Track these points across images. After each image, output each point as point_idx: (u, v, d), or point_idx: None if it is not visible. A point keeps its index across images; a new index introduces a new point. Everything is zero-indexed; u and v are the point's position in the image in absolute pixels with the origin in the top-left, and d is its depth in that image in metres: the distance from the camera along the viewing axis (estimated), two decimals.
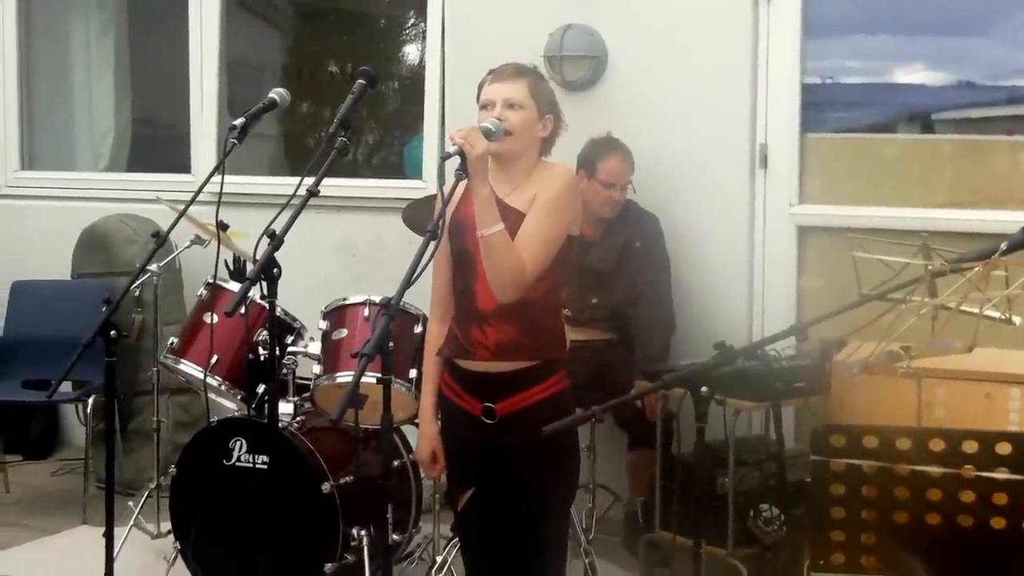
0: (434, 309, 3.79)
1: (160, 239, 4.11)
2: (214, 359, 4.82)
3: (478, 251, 3.50)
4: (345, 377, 4.55)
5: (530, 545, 3.65)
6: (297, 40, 9.07)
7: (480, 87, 3.67)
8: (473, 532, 3.78)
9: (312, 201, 3.44)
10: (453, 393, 3.69)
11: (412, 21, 8.24)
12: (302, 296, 4.93)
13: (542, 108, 3.62)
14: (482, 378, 3.61)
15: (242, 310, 4.49)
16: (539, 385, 3.59)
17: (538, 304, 3.56)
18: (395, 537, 4.77)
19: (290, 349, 4.88)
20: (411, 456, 4.96)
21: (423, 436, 3.79)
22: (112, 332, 3.80)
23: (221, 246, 4.39)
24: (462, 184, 3.45)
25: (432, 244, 3.23)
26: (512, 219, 3.48)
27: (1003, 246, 3.33)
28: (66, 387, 6.01)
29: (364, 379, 3.09)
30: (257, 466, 4.66)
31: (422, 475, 4.93)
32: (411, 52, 8.34)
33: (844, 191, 5.63)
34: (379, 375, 3.29)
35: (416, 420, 3.96)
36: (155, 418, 5.48)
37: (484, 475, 3.68)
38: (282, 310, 4.86)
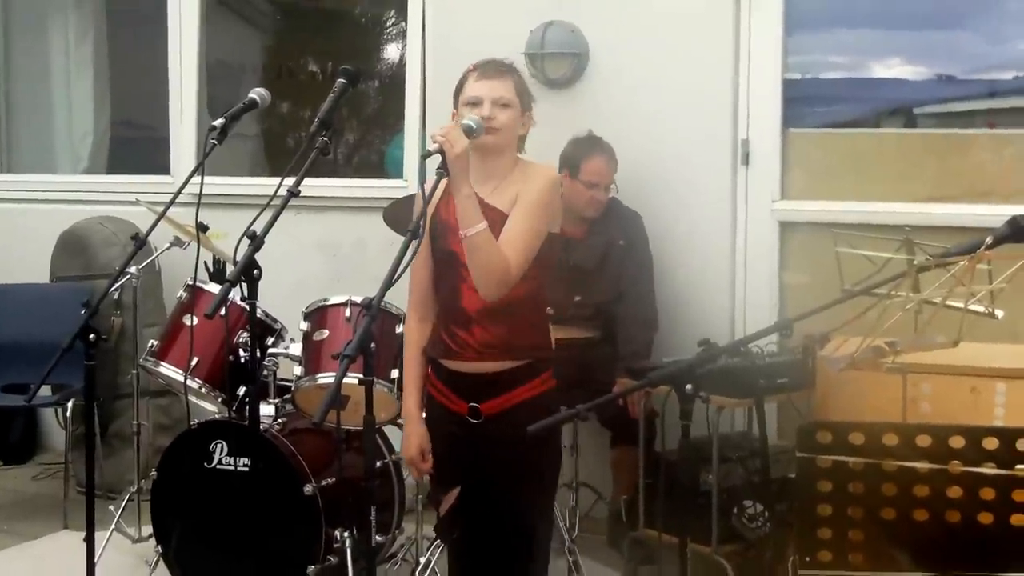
0: (414, 309, 3.75)
1: (139, 241, 4.09)
2: (194, 361, 4.78)
3: (463, 251, 3.47)
4: (326, 378, 4.52)
5: (513, 544, 3.63)
6: (277, 40, 9.02)
7: (463, 82, 3.63)
8: (455, 532, 3.76)
9: (293, 201, 3.41)
10: (438, 392, 3.67)
11: (392, 20, 8.20)
12: (283, 297, 4.89)
13: (524, 105, 3.63)
14: (468, 378, 3.60)
15: (222, 312, 4.46)
16: (525, 385, 3.58)
17: (523, 303, 3.55)
18: (378, 538, 4.74)
19: (271, 350, 4.85)
20: (394, 457, 4.94)
21: (410, 434, 3.73)
22: (91, 335, 3.77)
23: (201, 248, 4.36)
24: (443, 183, 3.44)
25: (414, 243, 3.20)
26: (494, 218, 3.46)
27: (988, 240, 3.32)
28: (45, 391, 5.98)
29: (346, 380, 3.06)
30: (238, 468, 4.63)
31: (405, 476, 4.91)
32: (391, 51, 8.30)
33: (826, 186, 5.62)
34: (361, 376, 3.28)
35: (398, 420, 3.92)
36: (135, 421, 5.43)
37: (468, 474, 3.67)
38: (262, 311, 4.83)
